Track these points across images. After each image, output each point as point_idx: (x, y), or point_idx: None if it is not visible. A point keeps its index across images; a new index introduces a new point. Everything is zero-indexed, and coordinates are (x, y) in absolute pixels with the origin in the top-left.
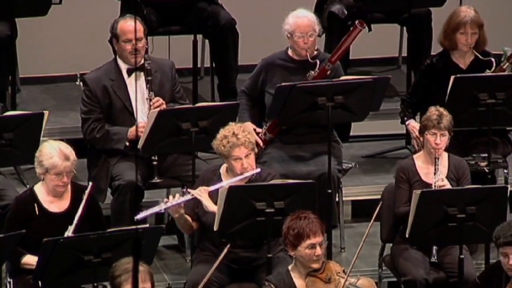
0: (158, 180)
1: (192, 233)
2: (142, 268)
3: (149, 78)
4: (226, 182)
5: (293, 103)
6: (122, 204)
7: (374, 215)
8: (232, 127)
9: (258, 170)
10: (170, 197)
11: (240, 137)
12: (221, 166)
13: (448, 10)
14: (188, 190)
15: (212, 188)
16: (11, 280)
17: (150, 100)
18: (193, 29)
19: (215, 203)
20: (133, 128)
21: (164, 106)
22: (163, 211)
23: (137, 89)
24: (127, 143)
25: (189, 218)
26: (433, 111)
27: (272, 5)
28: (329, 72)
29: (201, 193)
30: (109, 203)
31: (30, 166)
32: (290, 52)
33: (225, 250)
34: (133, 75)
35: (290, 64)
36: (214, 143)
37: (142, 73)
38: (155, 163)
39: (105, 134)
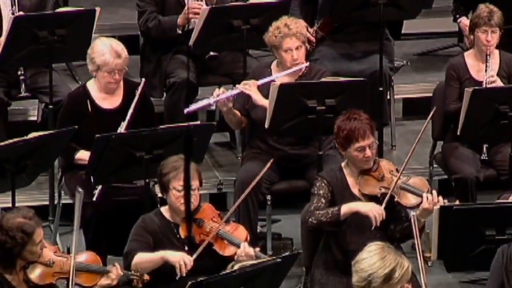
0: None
1: (241, 129)
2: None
3: None
4: (275, 75)
5: (345, 0)
6: (176, 101)
7: (429, 118)
8: (285, 19)
9: (308, 63)
10: (217, 90)
11: (292, 28)
12: (272, 62)
13: None
14: (236, 85)
15: (261, 81)
16: (63, 175)
17: None
18: None
19: (265, 97)
20: (183, 14)
21: None
22: (212, 104)
23: None
24: (180, 31)
25: (238, 113)
26: (483, 8)
27: None
28: None
29: (250, 87)
30: (162, 100)
31: (82, 62)
32: None
33: (269, 164)
34: None
35: None
36: (266, 35)
37: None
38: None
39: (157, 23)
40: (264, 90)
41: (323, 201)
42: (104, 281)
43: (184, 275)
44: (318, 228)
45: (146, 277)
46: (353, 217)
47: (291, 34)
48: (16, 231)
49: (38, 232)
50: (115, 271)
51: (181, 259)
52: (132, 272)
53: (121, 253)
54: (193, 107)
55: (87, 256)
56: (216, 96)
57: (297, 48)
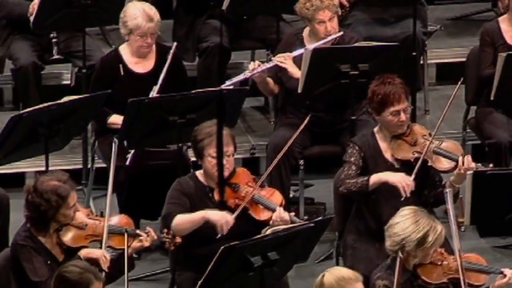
0: None
1: (274, 95)
2: (224, 131)
3: None
4: (310, 47)
5: None
6: (209, 66)
7: (459, 84)
8: None
9: (341, 33)
10: (252, 63)
11: (324, 0)
12: (304, 30)
13: None
14: (272, 58)
15: (296, 53)
16: (97, 139)
17: None
18: None
19: (299, 68)
20: None
21: None
22: (248, 78)
23: None
24: None
25: (271, 81)
26: None
27: None
28: None
29: (285, 60)
30: (195, 64)
31: (115, 26)
32: None
33: (306, 120)
34: None
35: None
36: (297, 6)
37: None
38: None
39: None
40: (298, 61)
41: (354, 168)
42: (136, 243)
43: (225, 233)
44: (348, 197)
45: (178, 239)
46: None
47: (324, 7)
48: (50, 194)
49: (72, 196)
50: (148, 234)
51: (222, 218)
52: (165, 234)
53: (154, 217)
54: (228, 83)
55: (120, 219)
56: (252, 70)
57: (330, 20)
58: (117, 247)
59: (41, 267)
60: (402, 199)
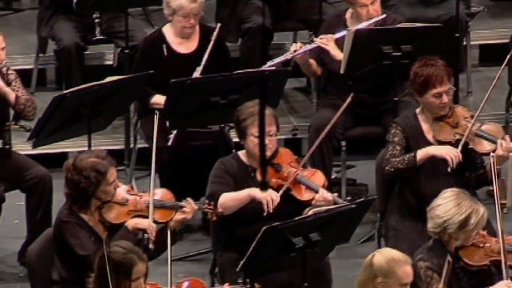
0: None
1: (317, 77)
2: (267, 111)
3: None
4: (352, 28)
5: None
6: (251, 47)
7: (503, 65)
8: None
9: (384, 16)
10: (294, 44)
11: None
12: (346, 11)
13: None
14: (314, 39)
15: (338, 35)
16: (139, 119)
17: None
18: None
19: (341, 50)
20: None
21: None
22: (290, 59)
23: None
24: None
25: (314, 63)
26: None
27: None
28: None
29: (327, 41)
30: (237, 45)
31: (158, 7)
32: None
33: (349, 99)
34: None
35: None
36: None
37: None
38: None
39: None
40: (340, 43)
41: (398, 148)
42: (178, 216)
43: (271, 211)
44: (395, 176)
45: (220, 209)
46: (428, 164)
47: None
48: (90, 170)
49: (111, 172)
50: (189, 205)
51: (268, 195)
52: (206, 205)
53: (196, 197)
54: (269, 63)
55: (161, 193)
56: (294, 52)
57: (372, 3)
58: (160, 220)
59: (87, 241)
60: (449, 169)
